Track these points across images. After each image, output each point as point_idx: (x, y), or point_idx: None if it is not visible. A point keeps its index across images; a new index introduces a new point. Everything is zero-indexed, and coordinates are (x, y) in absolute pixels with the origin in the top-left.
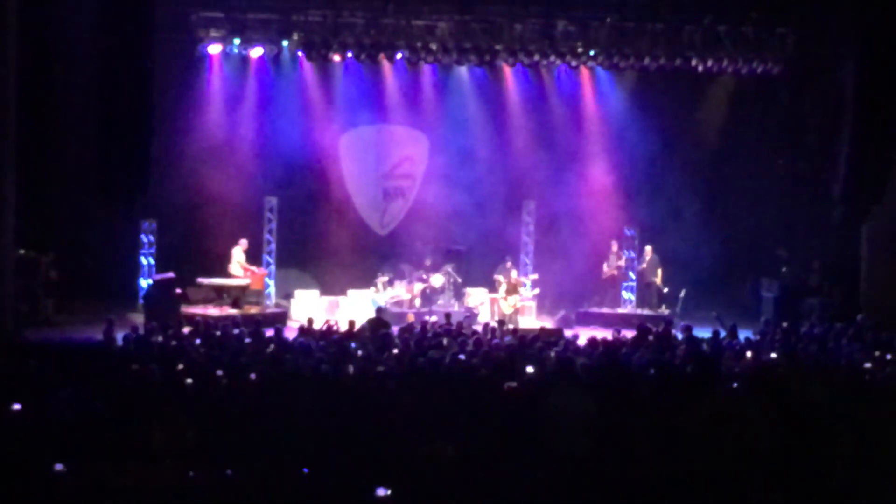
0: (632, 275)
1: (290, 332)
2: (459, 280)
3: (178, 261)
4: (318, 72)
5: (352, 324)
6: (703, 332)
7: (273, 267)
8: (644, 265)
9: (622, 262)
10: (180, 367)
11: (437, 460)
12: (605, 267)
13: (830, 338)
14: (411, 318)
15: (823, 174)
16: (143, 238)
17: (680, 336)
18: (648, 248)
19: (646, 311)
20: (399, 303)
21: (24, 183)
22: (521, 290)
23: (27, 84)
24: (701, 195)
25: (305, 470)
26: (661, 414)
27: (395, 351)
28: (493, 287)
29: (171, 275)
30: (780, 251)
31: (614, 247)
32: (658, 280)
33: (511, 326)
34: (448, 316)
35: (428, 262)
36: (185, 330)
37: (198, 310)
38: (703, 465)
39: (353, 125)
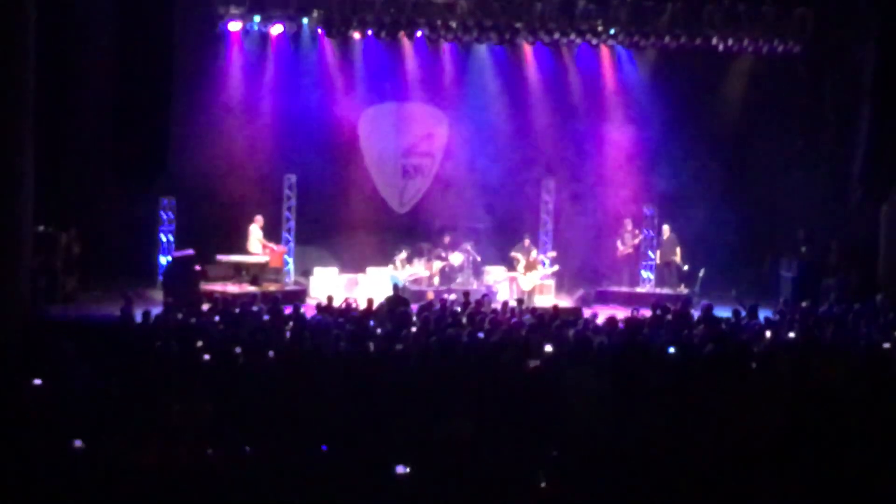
0: (651, 254)
1: (309, 310)
2: (478, 258)
3: (197, 238)
4: (337, 49)
5: (370, 302)
6: (722, 312)
7: (292, 244)
8: (662, 244)
9: (637, 241)
10: (199, 344)
11: (455, 438)
12: (619, 245)
13: (849, 318)
14: (431, 296)
15: (842, 154)
16: (163, 215)
17: (697, 315)
18: (666, 227)
19: (665, 291)
20: (418, 281)
21: (43, 159)
22: (540, 267)
23: (47, 60)
24: (720, 174)
25: (324, 447)
26: (678, 393)
27: (414, 329)
28: (511, 265)
29: (190, 252)
30: (798, 231)
31: (628, 225)
32: (677, 259)
33: (530, 306)
34: (467, 294)
35: (447, 240)
36: (205, 307)
37: (217, 287)
38: (720, 443)
39: (372, 103)
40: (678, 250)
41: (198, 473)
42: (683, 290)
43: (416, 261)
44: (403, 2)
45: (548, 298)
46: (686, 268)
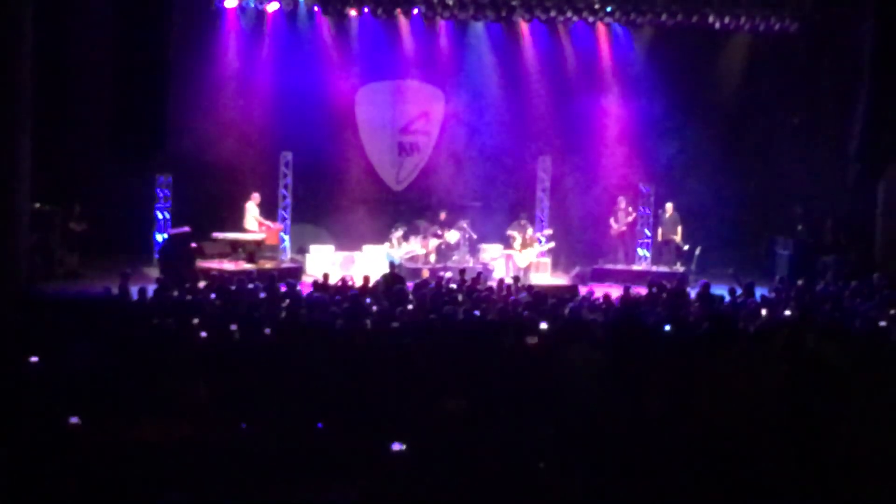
0: (647, 231)
1: (306, 287)
2: (475, 236)
3: (193, 215)
4: (334, 27)
5: (366, 279)
6: (719, 290)
7: (288, 222)
8: (664, 222)
9: (630, 219)
10: (195, 321)
11: (452, 415)
12: (612, 223)
13: (845, 296)
14: (426, 273)
15: (839, 132)
16: (159, 192)
17: (693, 293)
18: (669, 206)
19: (661, 268)
20: (414, 258)
21: (40, 137)
22: (536, 244)
23: (44, 39)
24: (716, 152)
25: (320, 425)
26: (674, 371)
27: (410, 307)
28: (508, 243)
29: (186, 229)
30: (795, 209)
31: (622, 203)
32: (678, 238)
33: (526, 283)
34: (463, 272)
35: (443, 218)
36: (201, 284)
37: (213, 264)
38: (716, 420)
39: (368, 80)
40: (679, 229)
41: (194, 451)
42: (680, 268)
43: (412, 238)
44: None
45: (544, 276)
46: (686, 247)
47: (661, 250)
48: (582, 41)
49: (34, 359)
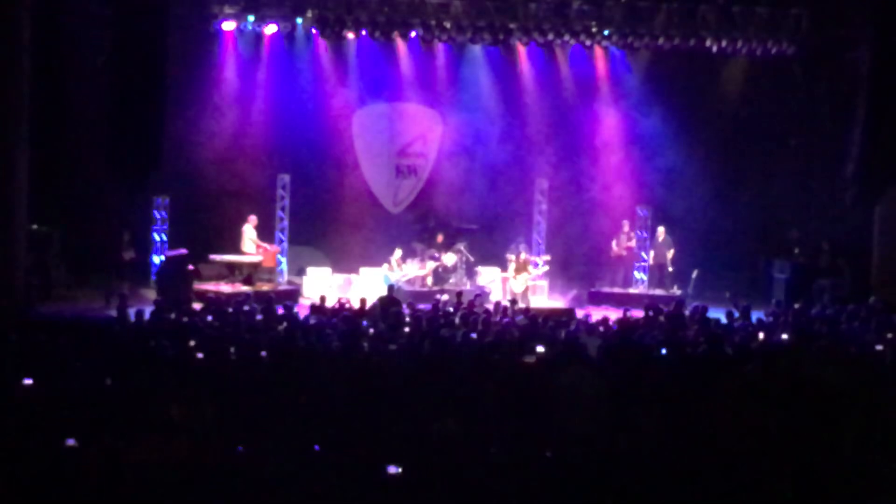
0: (644, 255)
1: (303, 310)
2: (472, 259)
3: (190, 237)
4: (331, 49)
5: (363, 302)
6: (716, 313)
7: (286, 244)
8: (656, 246)
9: (632, 243)
10: (192, 343)
11: (448, 439)
12: (613, 245)
13: (842, 319)
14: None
15: (836, 155)
16: (156, 214)
17: (690, 316)
18: (661, 229)
19: (658, 292)
20: (411, 281)
21: (38, 159)
22: (531, 268)
23: (42, 61)
24: (714, 176)
25: (316, 447)
26: (671, 394)
27: (406, 329)
28: (505, 266)
29: (183, 251)
30: (792, 232)
31: (625, 226)
32: (668, 261)
33: (522, 306)
34: (459, 294)
35: (440, 241)
36: (197, 306)
37: (210, 286)
38: (713, 444)
39: (366, 103)
40: (670, 253)
41: (190, 473)
42: (676, 291)
43: (409, 261)
44: (398, 2)
45: (541, 298)
46: (671, 269)
47: (654, 274)
48: (579, 64)
49: (28, 381)
